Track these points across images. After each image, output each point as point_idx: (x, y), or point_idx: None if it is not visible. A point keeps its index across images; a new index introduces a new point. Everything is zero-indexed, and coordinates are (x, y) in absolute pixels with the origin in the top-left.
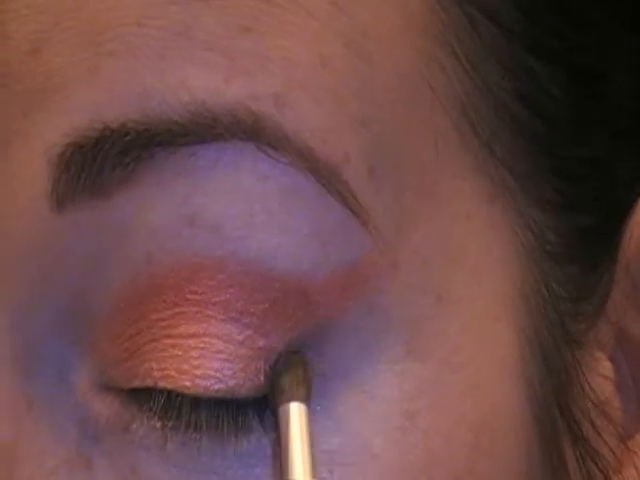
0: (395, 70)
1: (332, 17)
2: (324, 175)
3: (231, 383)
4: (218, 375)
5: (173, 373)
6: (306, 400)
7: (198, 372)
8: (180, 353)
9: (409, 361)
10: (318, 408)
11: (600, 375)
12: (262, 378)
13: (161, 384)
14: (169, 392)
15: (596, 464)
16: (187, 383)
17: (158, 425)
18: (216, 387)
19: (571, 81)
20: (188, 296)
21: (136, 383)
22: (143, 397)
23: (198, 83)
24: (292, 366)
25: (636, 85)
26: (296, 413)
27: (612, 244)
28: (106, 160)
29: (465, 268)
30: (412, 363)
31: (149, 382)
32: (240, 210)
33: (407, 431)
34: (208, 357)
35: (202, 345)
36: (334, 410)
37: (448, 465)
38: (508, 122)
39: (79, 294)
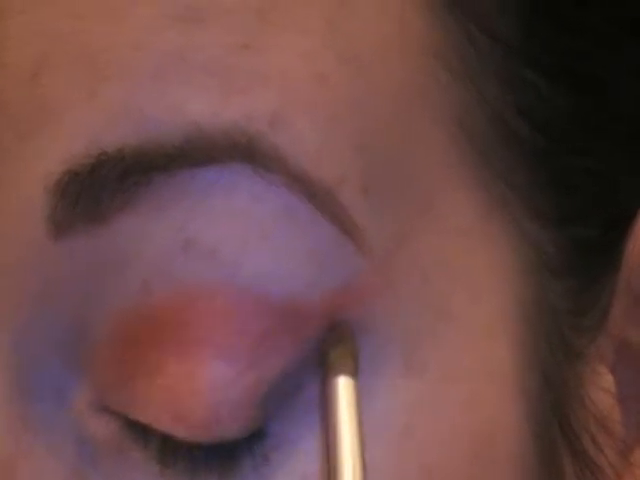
0: (392, 86)
1: (329, 35)
2: (319, 197)
3: (226, 426)
4: (211, 420)
5: (167, 419)
6: (354, 374)
7: (192, 419)
8: (173, 397)
9: (407, 376)
10: (316, 423)
11: (601, 388)
12: (252, 412)
13: (155, 427)
14: (165, 435)
15: (596, 478)
16: (182, 432)
17: (156, 469)
18: (210, 433)
19: (571, 91)
20: (181, 331)
21: (132, 416)
22: (139, 430)
23: (194, 106)
24: (340, 340)
25: (638, 92)
26: (343, 387)
27: (612, 256)
28: (103, 186)
29: (463, 283)
30: (410, 378)
31: (143, 420)
32: (235, 233)
33: (405, 445)
34: (200, 403)
35: (194, 388)
36: None
37: (446, 478)
38: (506, 135)
39: (77, 319)
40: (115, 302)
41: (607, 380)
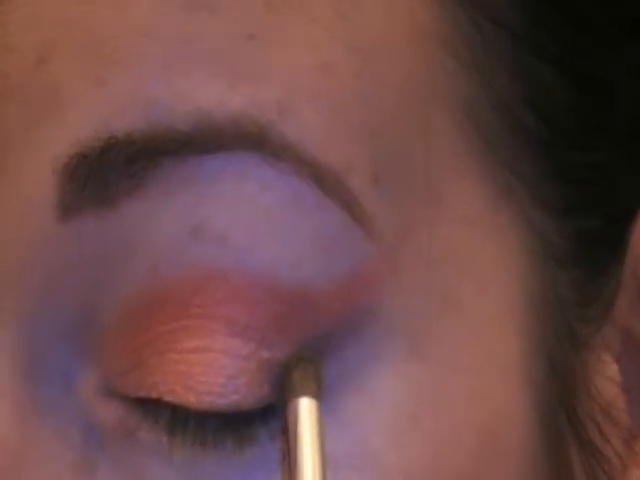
0: (399, 76)
1: (336, 25)
2: (327, 183)
3: (235, 398)
4: (222, 391)
5: (178, 388)
6: (317, 396)
7: (202, 388)
8: (184, 369)
9: (412, 365)
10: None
11: (606, 378)
12: (266, 389)
13: (166, 398)
14: (175, 406)
15: (602, 467)
16: (192, 399)
17: (164, 439)
18: (220, 402)
19: (576, 85)
20: (192, 310)
21: (142, 394)
22: (149, 408)
23: (202, 93)
24: (302, 362)
25: (638, 93)
26: (306, 408)
27: (618, 247)
28: (112, 170)
29: (470, 272)
30: (415, 367)
31: (154, 395)
32: (244, 220)
33: (410, 434)
34: (212, 373)
35: (206, 361)
36: (338, 414)
37: (452, 468)
38: (513, 126)
39: (86, 304)
40: (124, 287)
41: (612, 369)
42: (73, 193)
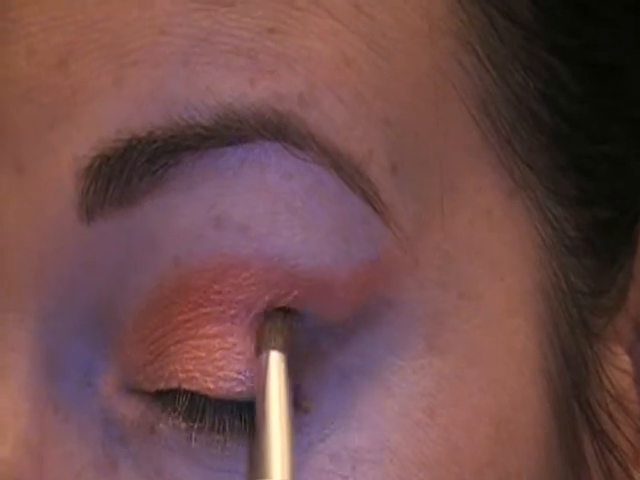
0: (416, 69)
1: (354, 18)
2: (347, 172)
3: (252, 384)
4: (240, 377)
5: (197, 375)
6: (284, 349)
7: (221, 374)
8: (204, 354)
9: (429, 357)
10: (338, 405)
11: (618, 369)
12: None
13: (185, 386)
14: (192, 394)
15: (614, 457)
16: (210, 385)
17: (183, 426)
18: (238, 389)
19: (590, 78)
20: (213, 296)
21: (161, 386)
22: (168, 399)
23: (223, 86)
24: (270, 317)
25: None
26: (274, 361)
27: (630, 238)
28: (134, 170)
29: (486, 263)
30: (432, 359)
31: (173, 384)
32: (265, 209)
33: (427, 427)
34: (231, 358)
35: (226, 346)
36: (355, 407)
37: (469, 459)
38: (528, 119)
39: (107, 300)
40: (146, 281)
41: (624, 360)
42: (96, 194)
